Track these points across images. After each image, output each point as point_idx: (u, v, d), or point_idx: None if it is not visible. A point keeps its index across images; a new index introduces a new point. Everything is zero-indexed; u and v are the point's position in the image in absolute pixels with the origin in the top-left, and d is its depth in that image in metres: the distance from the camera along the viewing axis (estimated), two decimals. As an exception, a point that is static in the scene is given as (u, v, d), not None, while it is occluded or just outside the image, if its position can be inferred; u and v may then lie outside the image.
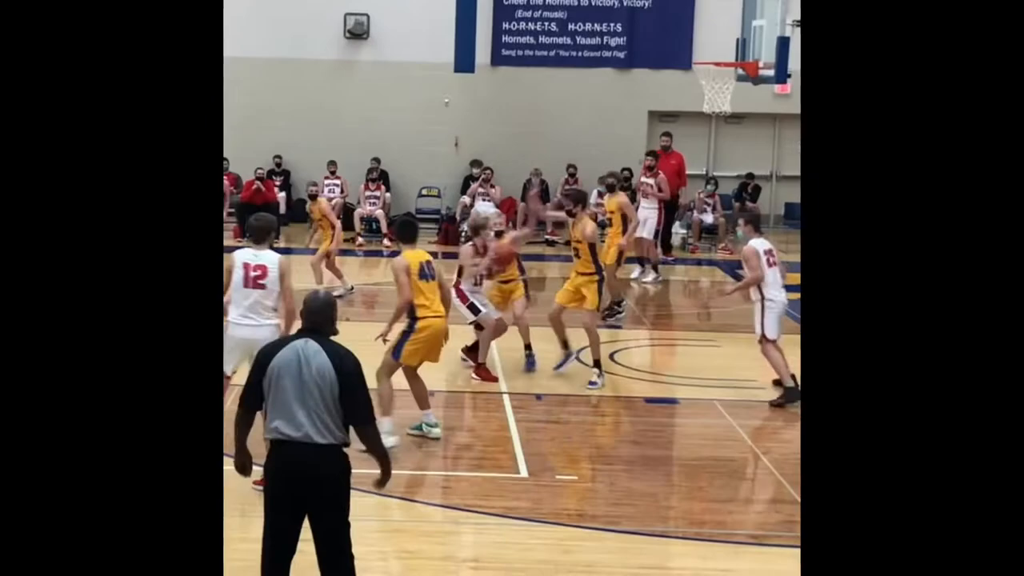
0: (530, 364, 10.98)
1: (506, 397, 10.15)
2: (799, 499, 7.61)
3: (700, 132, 21.18)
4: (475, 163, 20.77)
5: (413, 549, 7.11)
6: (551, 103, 20.96)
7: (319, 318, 5.38)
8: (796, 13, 12.65)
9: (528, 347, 11.01)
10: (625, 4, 21.09)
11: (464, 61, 18.24)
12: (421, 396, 8.96)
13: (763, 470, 8.43)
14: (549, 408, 9.94)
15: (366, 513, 6.88)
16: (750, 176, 21.48)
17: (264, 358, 5.29)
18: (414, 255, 8.80)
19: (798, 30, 12.65)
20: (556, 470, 8.38)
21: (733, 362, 11.23)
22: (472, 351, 10.90)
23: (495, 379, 10.61)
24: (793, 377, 10.10)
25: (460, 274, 10.68)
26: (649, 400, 10.29)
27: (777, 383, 10.37)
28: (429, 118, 20.91)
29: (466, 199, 20.35)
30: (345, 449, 5.32)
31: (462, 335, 10.66)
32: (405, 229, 9.27)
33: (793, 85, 15.93)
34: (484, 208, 19.44)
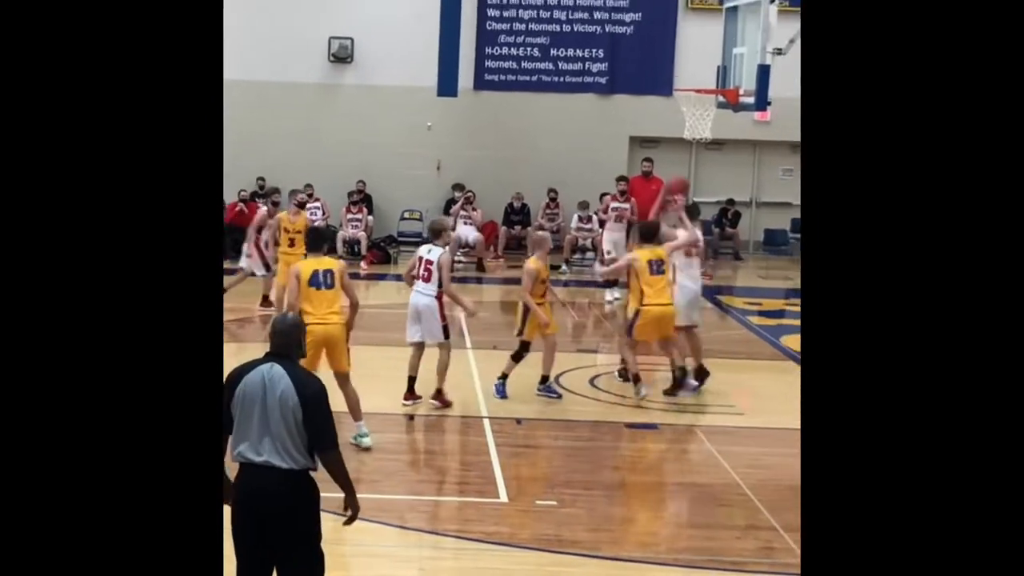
0: (550, 392, 10.91)
1: (486, 421, 10.15)
2: (777, 525, 7.69)
3: (680, 158, 21.29)
4: (457, 187, 20.81)
5: (391, 575, 7.09)
6: (533, 128, 21.05)
7: (285, 340, 5.35)
8: (776, 41, 12.76)
9: (545, 378, 10.92)
10: (607, 30, 21.22)
11: (447, 85, 18.31)
12: (352, 406, 9.01)
13: (741, 496, 8.45)
14: (529, 433, 9.94)
15: (342, 538, 6.87)
16: (730, 202, 21.61)
17: (232, 381, 5.25)
18: (311, 262, 9.09)
19: (778, 58, 12.75)
20: (536, 495, 8.38)
21: (712, 387, 11.26)
22: (411, 393, 10.42)
23: (450, 403, 10.43)
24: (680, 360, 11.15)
25: (442, 284, 10.12)
26: (629, 425, 10.30)
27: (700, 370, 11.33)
28: (412, 141, 20.96)
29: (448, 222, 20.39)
30: (312, 474, 5.25)
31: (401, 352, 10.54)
32: (311, 237, 10.13)
33: (773, 112, 16.02)
34: (466, 232, 19.53)
